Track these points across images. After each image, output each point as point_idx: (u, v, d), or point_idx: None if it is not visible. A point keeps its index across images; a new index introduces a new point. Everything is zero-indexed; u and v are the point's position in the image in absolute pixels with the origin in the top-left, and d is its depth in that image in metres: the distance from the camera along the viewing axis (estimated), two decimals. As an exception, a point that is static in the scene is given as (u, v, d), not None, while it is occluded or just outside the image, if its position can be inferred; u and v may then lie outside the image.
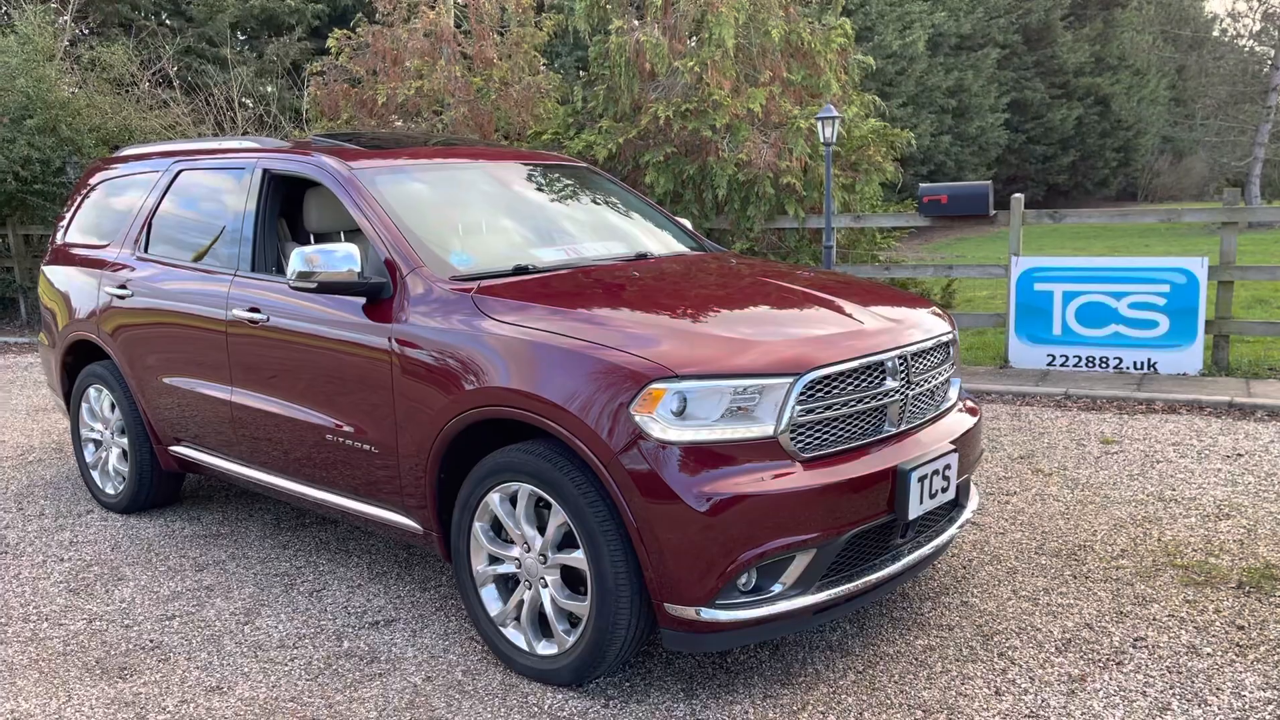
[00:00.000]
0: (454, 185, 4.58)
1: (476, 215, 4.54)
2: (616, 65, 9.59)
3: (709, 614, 3.06)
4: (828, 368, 3.19)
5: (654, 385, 3.04)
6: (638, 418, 3.04)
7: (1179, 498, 5.03)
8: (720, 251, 4.92)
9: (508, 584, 3.56)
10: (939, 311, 3.95)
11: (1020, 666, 3.41)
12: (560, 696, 3.34)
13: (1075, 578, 4.12)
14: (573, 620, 3.35)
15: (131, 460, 5.22)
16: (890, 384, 3.39)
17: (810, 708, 3.22)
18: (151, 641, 3.86)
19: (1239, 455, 5.70)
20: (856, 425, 3.31)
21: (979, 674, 3.38)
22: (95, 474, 5.52)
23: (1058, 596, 3.95)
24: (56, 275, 5.71)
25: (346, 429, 3.94)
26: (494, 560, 3.54)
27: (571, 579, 3.35)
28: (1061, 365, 7.97)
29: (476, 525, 3.52)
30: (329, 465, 4.09)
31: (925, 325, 3.70)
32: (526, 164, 4.95)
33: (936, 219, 8.79)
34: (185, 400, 4.79)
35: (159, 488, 5.29)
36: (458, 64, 11.02)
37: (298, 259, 3.76)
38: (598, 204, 4.94)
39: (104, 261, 5.30)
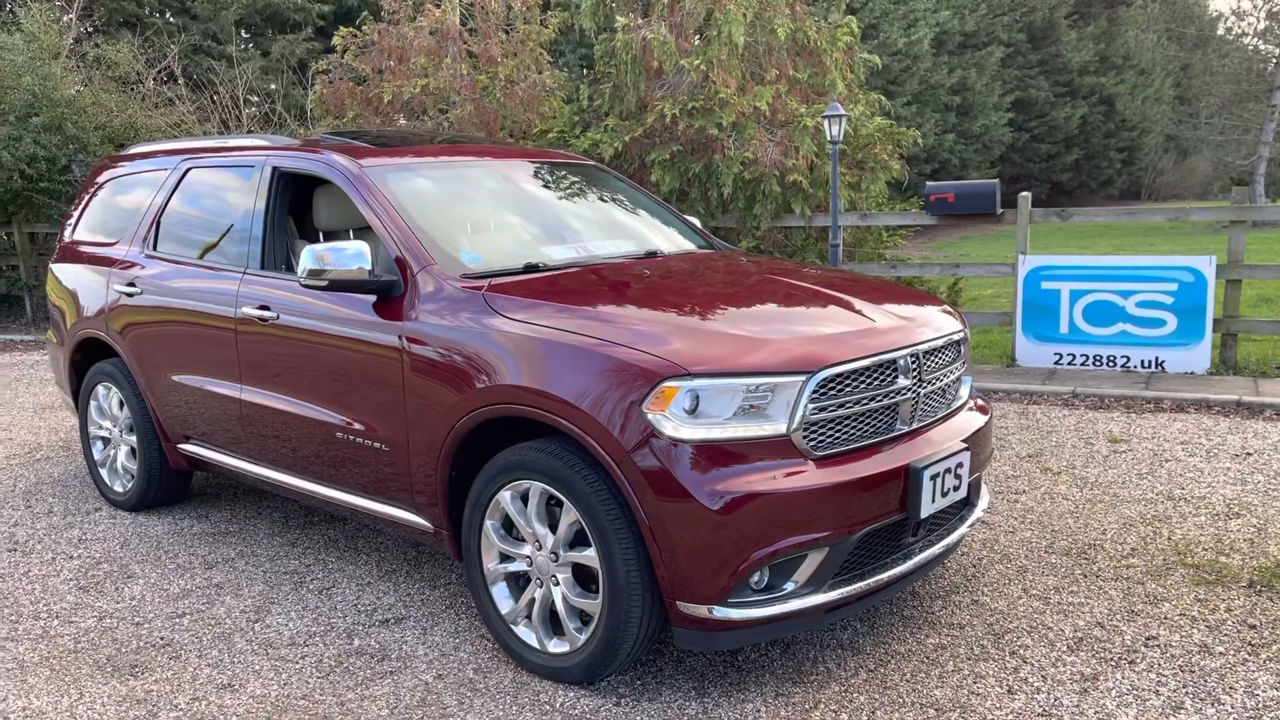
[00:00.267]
0: (464, 183, 4.57)
1: (486, 213, 4.53)
2: (623, 63, 9.59)
3: (721, 612, 3.06)
4: (840, 366, 3.19)
5: (666, 383, 3.04)
6: (650, 416, 3.03)
7: (1188, 496, 5.02)
8: (729, 249, 4.92)
9: (519, 582, 3.56)
10: (950, 310, 3.95)
11: (1032, 665, 3.41)
12: (572, 695, 3.34)
13: (1086, 576, 4.11)
14: (584, 618, 3.35)
15: (140, 458, 5.22)
16: (902, 382, 3.39)
17: (823, 706, 3.22)
18: (162, 639, 3.86)
19: (1248, 454, 5.69)
20: (868, 424, 3.31)
21: (991, 673, 3.38)
22: (104, 472, 5.52)
23: (1068, 595, 3.94)
24: (65, 273, 5.71)
25: (357, 427, 3.94)
26: (505, 558, 3.53)
27: (583, 577, 3.34)
28: (1069, 364, 7.96)
29: (488, 523, 3.52)
30: (339, 463, 4.09)
31: (936, 323, 3.70)
32: (536, 162, 4.95)
33: (943, 217, 8.78)
34: (194, 398, 4.79)
35: (167, 485, 5.29)
36: (463, 62, 11.02)
37: (308, 257, 3.76)
38: (607, 202, 4.94)
39: (112, 259, 5.31)
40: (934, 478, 3.34)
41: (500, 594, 3.56)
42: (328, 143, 4.59)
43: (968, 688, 3.29)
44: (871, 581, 3.28)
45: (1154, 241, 20.34)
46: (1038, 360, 8.08)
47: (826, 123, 8.45)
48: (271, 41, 20.90)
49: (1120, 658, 3.44)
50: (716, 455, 3.04)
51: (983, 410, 3.93)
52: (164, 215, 5.12)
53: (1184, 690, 3.23)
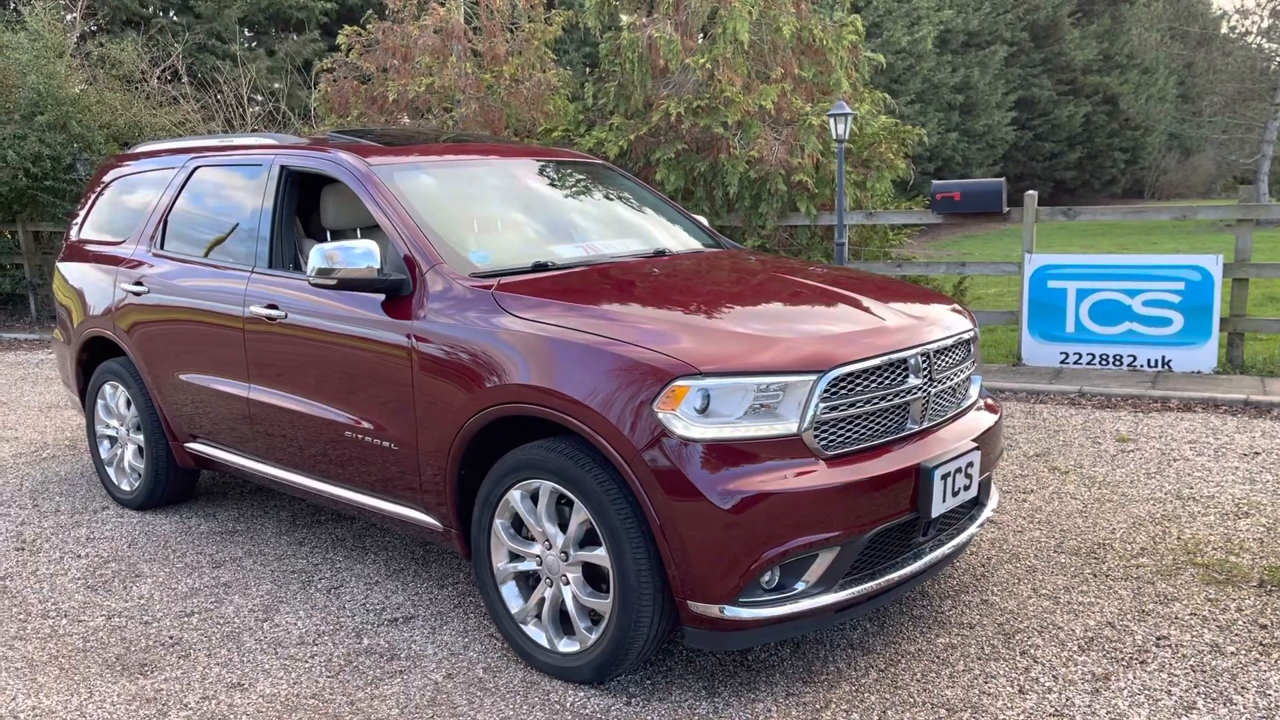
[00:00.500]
0: (471, 182, 4.57)
1: (494, 212, 4.53)
2: (629, 61, 9.57)
3: (732, 612, 3.05)
4: (851, 365, 3.18)
5: (677, 382, 3.03)
6: (661, 415, 3.03)
7: (1197, 496, 5.01)
8: (737, 248, 4.91)
9: (528, 581, 3.56)
10: (960, 308, 3.94)
11: (1043, 665, 3.40)
12: (582, 694, 3.33)
13: (1095, 576, 4.10)
14: (594, 617, 3.34)
15: (147, 457, 5.22)
16: (913, 381, 3.38)
17: (833, 706, 3.21)
18: (171, 638, 3.86)
19: (1256, 453, 5.68)
20: (879, 423, 3.30)
21: (1002, 672, 3.37)
22: (111, 470, 5.52)
23: (1078, 595, 3.93)
24: (71, 272, 5.71)
25: (365, 426, 3.93)
26: (515, 557, 3.53)
27: (593, 576, 3.34)
28: (1075, 363, 7.94)
29: (497, 522, 3.52)
30: (347, 462, 4.09)
31: (946, 322, 3.69)
32: (543, 160, 4.94)
33: (947, 216, 8.76)
34: (202, 397, 4.79)
35: (174, 484, 5.30)
36: (468, 61, 11.01)
37: (317, 256, 3.76)
38: (615, 200, 4.93)
39: (120, 258, 5.30)
40: (945, 477, 3.33)
41: (510, 593, 3.55)
42: (335, 141, 4.58)
43: (979, 688, 3.28)
44: (882, 581, 3.27)
45: (1157, 240, 20.30)
46: (1044, 359, 8.07)
47: (832, 121, 8.43)
48: (275, 40, 20.92)
49: (1131, 658, 3.43)
50: (727, 454, 3.04)
51: (992, 409, 3.93)
52: (171, 214, 5.12)
53: (1196, 690, 3.22)
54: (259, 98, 15.18)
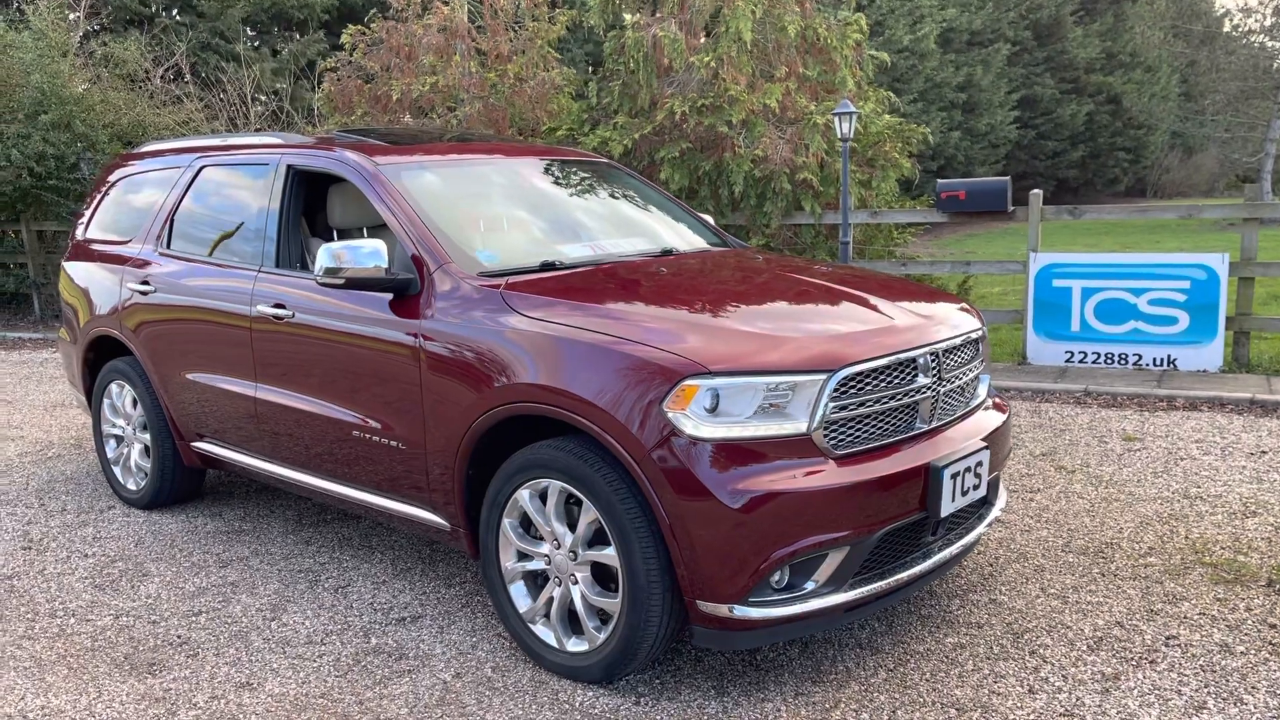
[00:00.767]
0: (478, 181, 4.56)
1: (502, 211, 4.53)
2: (633, 60, 9.57)
3: (742, 611, 3.05)
4: (861, 364, 3.18)
5: (687, 382, 3.03)
6: (670, 414, 3.02)
7: (1204, 495, 5.00)
8: (744, 247, 4.91)
9: (537, 581, 3.55)
10: (968, 307, 3.93)
11: (1052, 665, 3.40)
12: (591, 694, 3.33)
13: (1104, 575, 4.10)
14: (603, 617, 3.34)
15: (154, 456, 5.22)
16: (922, 381, 3.37)
17: (843, 706, 3.21)
18: (179, 637, 3.86)
19: (1263, 452, 5.67)
20: (888, 422, 3.30)
21: (1011, 672, 3.36)
22: (117, 470, 5.53)
23: (1087, 594, 3.93)
24: (77, 271, 5.71)
25: (373, 425, 3.93)
26: (523, 557, 3.53)
27: (602, 576, 3.34)
28: (1080, 362, 7.94)
29: (505, 522, 3.51)
30: (354, 461, 4.09)
31: (955, 321, 3.68)
32: (550, 159, 4.94)
33: (951, 215, 8.75)
34: (208, 396, 4.79)
35: (181, 484, 5.30)
36: (472, 60, 11.01)
37: (325, 255, 3.76)
38: (621, 200, 4.92)
39: (126, 257, 5.31)
40: (954, 476, 3.33)
41: (518, 593, 3.55)
42: (341, 140, 4.58)
43: (988, 687, 3.28)
44: (891, 580, 3.27)
45: (1160, 239, 20.28)
46: (1049, 358, 8.06)
47: (837, 120, 8.43)
48: (278, 39, 20.92)
49: (1141, 657, 3.43)
50: (737, 454, 3.03)
51: (1000, 408, 3.92)
52: (177, 213, 5.12)
53: (1206, 690, 3.22)
54: (263, 97, 15.17)
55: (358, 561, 4.56)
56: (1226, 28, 35.16)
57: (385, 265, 3.75)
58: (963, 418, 3.63)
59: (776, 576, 3.08)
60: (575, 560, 3.34)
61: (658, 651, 3.25)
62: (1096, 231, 22.65)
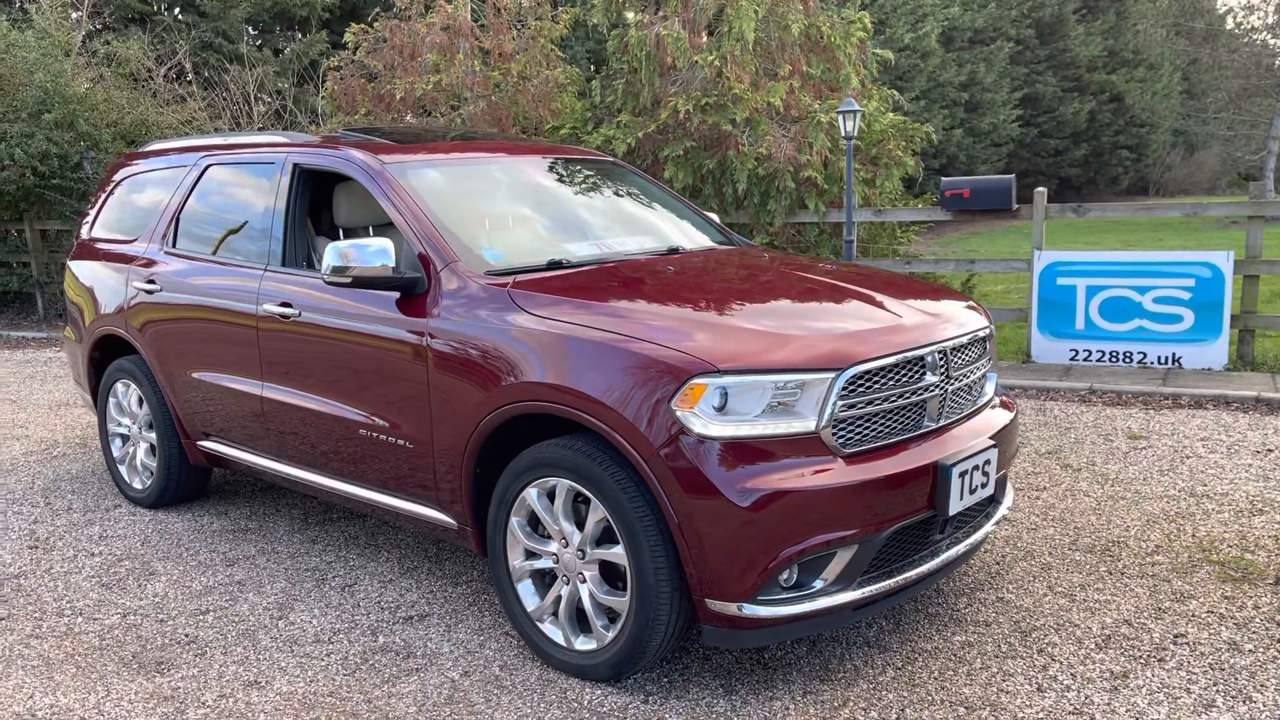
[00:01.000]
0: (484, 179, 4.57)
1: (508, 209, 4.53)
2: (636, 59, 9.57)
3: (751, 610, 3.05)
4: (869, 363, 3.17)
5: (695, 380, 3.03)
6: (679, 413, 3.02)
7: (1211, 493, 5.00)
8: (749, 245, 4.90)
9: (544, 579, 3.55)
10: (975, 305, 3.93)
11: (1061, 663, 3.40)
12: (599, 692, 3.33)
13: (1111, 574, 4.09)
14: (611, 615, 3.34)
15: (160, 455, 5.23)
16: (930, 379, 3.37)
17: (851, 704, 3.21)
18: (187, 636, 3.87)
19: (1269, 450, 5.67)
20: (897, 421, 3.30)
21: (1020, 670, 3.36)
22: (123, 469, 5.53)
23: (1094, 592, 3.92)
24: (82, 271, 5.71)
25: (380, 423, 3.93)
26: (531, 555, 3.53)
27: (610, 574, 3.33)
28: (1084, 360, 7.93)
29: (513, 520, 3.52)
30: (361, 460, 4.09)
31: (962, 320, 3.68)
32: (555, 158, 4.93)
33: (955, 213, 8.75)
34: (214, 395, 4.79)
35: (187, 482, 5.30)
36: (475, 58, 11.01)
37: (332, 254, 3.75)
38: (627, 198, 4.92)
39: (131, 256, 5.31)
40: (962, 475, 3.33)
41: (526, 591, 3.55)
42: (347, 139, 4.58)
43: (997, 685, 3.28)
44: (900, 579, 3.26)
45: (1163, 237, 20.25)
46: (1053, 357, 8.06)
47: (841, 118, 8.42)
48: (280, 38, 20.92)
49: (1149, 655, 3.43)
50: (745, 452, 3.03)
51: (1008, 406, 3.92)
52: (183, 212, 5.12)
53: (1215, 688, 3.21)
54: (265, 97, 15.18)
55: (364, 560, 4.56)
56: (1229, 25, 35.13)
57: (392, 264, 3.75)
58: (970, 416, 3.63)
59: (785, 575, 3.08)
60: (583, 559, 3.34)
61: (666, 650, 3.25)
62: (1099, 230, 22.63)
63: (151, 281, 5.07)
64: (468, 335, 3.59)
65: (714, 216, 5.13)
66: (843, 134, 8.51)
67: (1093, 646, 3.50)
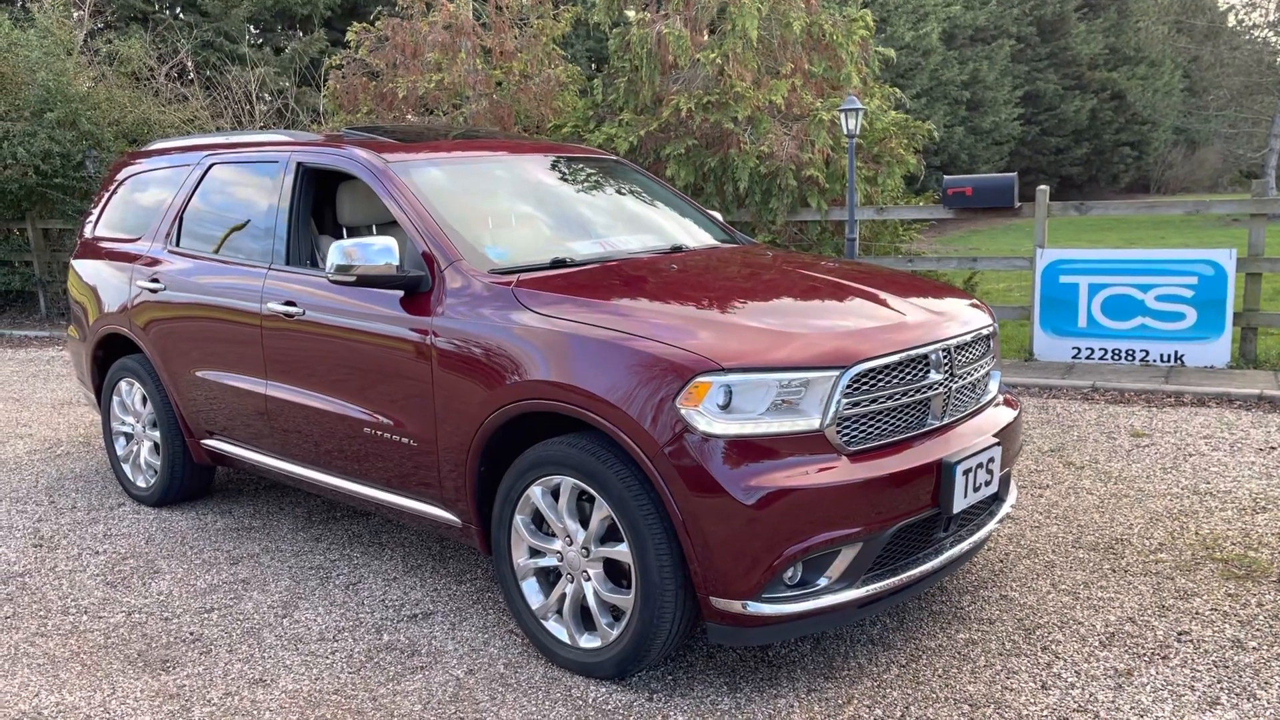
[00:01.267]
0: (488, 178, 4.57)
1: (511, 208, 4.53)
2: (638, 57, 9.57)
3: (755, 608, 3.05)
4: (873, 360, 3.18)
5: (699, 378, 3.03)
6: (683, 411, 3.02)
7: (1214, 491, 5.00)
8: (753, 244, 4.91)
9: (549, 577, 3.56)
10: (978, 303, 3.93)
11: (1065, 660, 3.40)
12: (604, 690, 3.34)
13: (1114, 571, 4.10)
14: (616, 613, 3.34)
15: (163, 453, 5.23)
16: (934, 377, 3.38)
17: (855, 701, 3.21)
18: (192, 634, 3.87)
19: (1272, 448, 5.67)
20: (901, 418, 3.30)
21: (1024, 668, 3.37)
22: (126, 467, 5.54)
23: (1098, 590, 3.93)
24: (86, 269, 5.72)
25: (384, 422, 3.94)
26: (535, 553, 3.53)
27: (614, 572, 3.34)
28: (1087, 358, 7.93)
29: (517, 518, 3.52)
30: (366, 458, 4.10)
31: (966, 317, 3.68)
32: (558, 156, 4.94)
33: (957, 211, 8.75)
34: (219, 394, 4.80)
35: (190, 481, 5.31)
36: (477, 57, 11.01)
37: (336, 253, 3.76)
38: (630, 196, 4.93)
39: (135, 255, 5.31)
40: (966, 473, 3.33)
41: (530, 589, 3.56)
42: (351, 137, 4.58)
43: (1001, 683, 3.28)
44: (904, 577, 3.27)
45: (1165, 235, 20.24)
46: (1055, 354, 8.06)
47: (842, 116, 8.43)
48: (281, 37, 20.92)
49: (1153, 653, 3.43)
50: (749, 450, 3.03)
51: (1011, 404, 3.92)
52: (186, 211, 5.13)
53: (1219, 685, 3.22)
54: (267, 96, 15.18)
55: (368, 558, 4.56)
56: (1231, 22, 35.10)
57: (396, 262, 3.75)
58: (974, 414, 3.63)
59: (789, 573, 3.08)
60: (588, 557, 3.35)
61: (671, 648, 3.26)
62: (1101, 228, 22.62)
63: (155, 280, 5.08)
64: (472, 334, 3.59)
65: (716, 215, 5.14)
66: (845, 132, 8.51)
67: (1096, 644, 3.50)
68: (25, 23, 13.93)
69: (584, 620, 3.45)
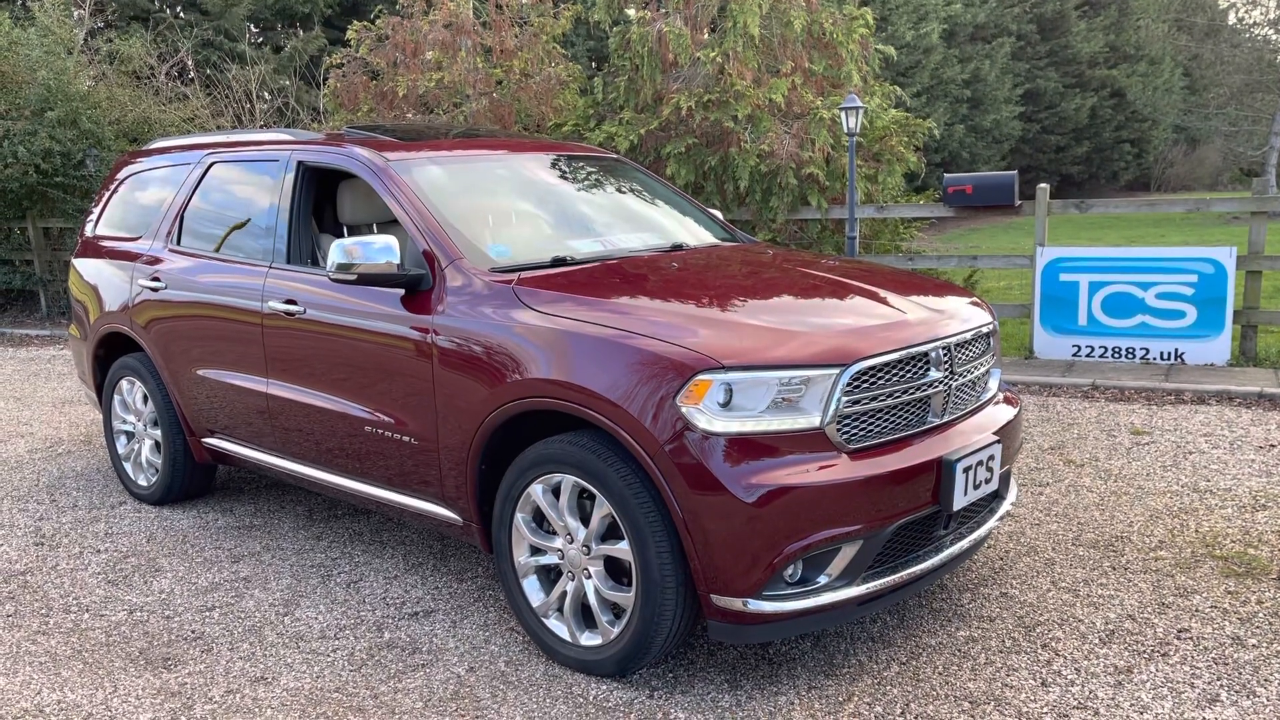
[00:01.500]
0: (489, 177, 4.57)
1: (512, 206, 4.53)
2: (639, 56, 9.57)
3: (756, 605, 3.05)
4: (873, 358, 3.18)
5: (700, 376, 3.03)
6: (684, 409, 3.03)
7: (1214, 488, 5.01)
8: (753, 242, 4.91)
9: (550, 575, 3.57)
10: (978, 301, 3.94)
11: (1065, 658, 3.41)
12: (604, 687, 3.34)
13: (1114, 569, 4.10)
14: (616, 611, 3.35)
15: (165, 452, 5.24)
16: (934, 375, 3.38)
17: (856, 699, 3.22)
18: (193, 632, 3.88)
19: (1272, 446, 5.67)
20: (901, 416, 3.30)
21: (1024, 665, 3.37)
22: (128, 466, 5.54)
23: (1098, 588, 3.93)
24: (87, 268, 5.73)
25: (385, 420, 3.94)
26: (536, 551, 3.54)
27: (615, 570, 3.35)
28: (1087, 356, 7.94)
29: (518, 516, 3.53)
30: (367, 457, 4.10)
31: (966, 315, 3.69)
32: (559, 155, 4.94)
33: (957, 209, 8.75)
34: (220, 392, 4.81)
35: (192, 479, 5.32)
36: (478, 55, 11.01)
37: (337, 251, 3.76)
38: (631, 195, 4.93)
39: (136, 254, 5.32)
40: (966, 470, 3.34)
41: (531, 587, 3.56)
42: (351, 136, 4.59)
43: (1001, 680, 3.29)
44: (904, 574, 3.27)
45: (1165, 233, 20.23)
46: (1056, 352, 8.06)
47: (844, 114, 8.43)
48: (281, 36, 20.92)
49: (1153, 650, 3.44)
50: (750, 448, 3.04)
51: (1012, 402, 3.92)
52: (187, 210, 5.13)
53: (1219, 683, 3.22)
54: (266, 95, 15.19)
55: (369, 557, 4.57)
56: (1231, 20, 35.07)
57: (397, 261, 3.76)
58: (974, 412, 3.64)
59: (790, 570, 3.09)
60: (588, 554, 3.35)
61: (671, 645, 3.26)
62: (1101, 226, 22.62)
63: (156, 279, 5.09)
64: (472, 332, 3.59)
65: (717, 213, 5.14)
66: (845, 130, 8.52)
67: (1096, 641, 3.51)
68: (26, 21, 13.94)
69: (585, 618, 3.46)
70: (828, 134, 9.19)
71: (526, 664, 3.53)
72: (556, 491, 3.42)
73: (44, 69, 12.20)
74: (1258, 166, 28.87)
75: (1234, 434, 5.94)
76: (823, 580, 3.13)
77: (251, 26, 20.83)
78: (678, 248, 4.38)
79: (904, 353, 3.28)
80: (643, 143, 9.77)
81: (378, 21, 11.31)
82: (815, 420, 3.08)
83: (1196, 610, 3.72)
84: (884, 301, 3.59)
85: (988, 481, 3.49)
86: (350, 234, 4.88)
